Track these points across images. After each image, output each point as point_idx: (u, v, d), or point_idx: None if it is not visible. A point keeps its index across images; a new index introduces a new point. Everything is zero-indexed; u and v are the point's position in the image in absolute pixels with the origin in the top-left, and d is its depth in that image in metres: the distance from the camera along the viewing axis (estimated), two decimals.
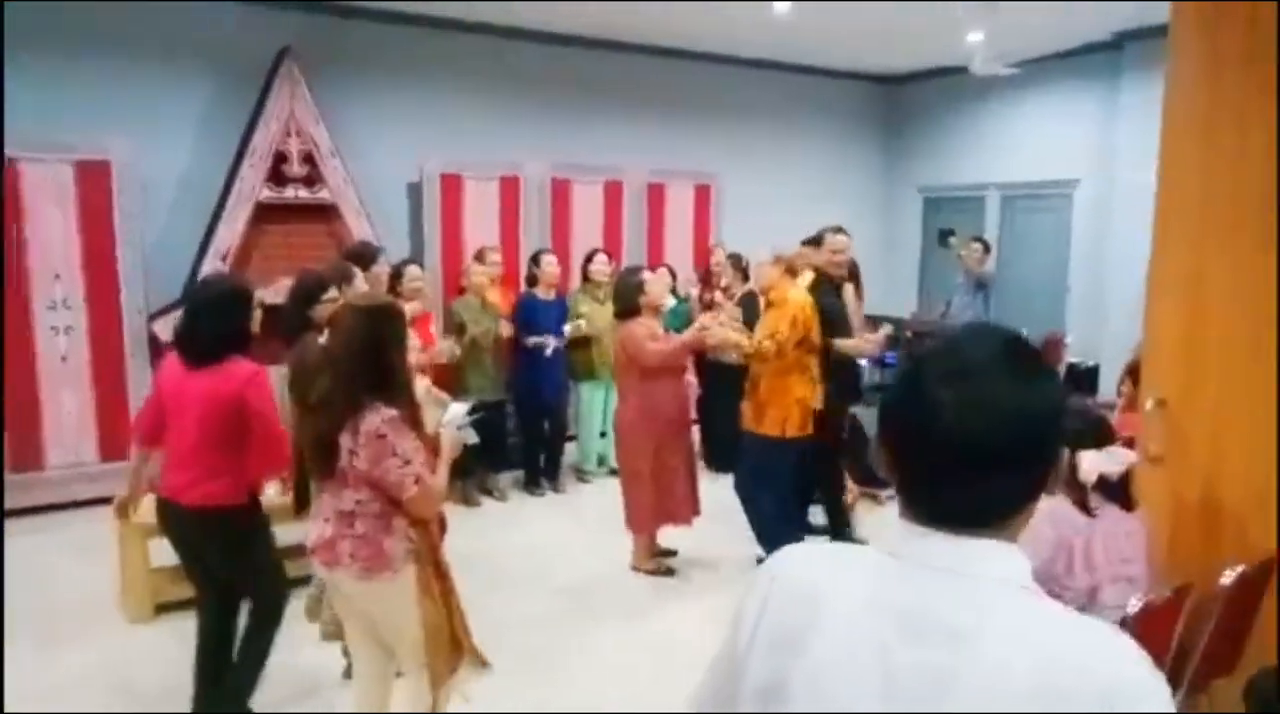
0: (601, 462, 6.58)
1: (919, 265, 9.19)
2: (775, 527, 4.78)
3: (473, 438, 2.92)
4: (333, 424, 2.50)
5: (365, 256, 4.93)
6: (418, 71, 6.82)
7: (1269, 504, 2.62)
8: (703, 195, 7.86)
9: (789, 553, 1.09)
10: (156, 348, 5.74)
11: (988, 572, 0.93)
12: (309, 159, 5.99)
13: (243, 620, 3.23)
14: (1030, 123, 8.08)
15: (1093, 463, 2.58)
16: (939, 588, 0.93)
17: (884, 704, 0.91)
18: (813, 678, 0.96)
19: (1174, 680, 2.43)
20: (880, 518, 5.72)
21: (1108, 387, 6.92)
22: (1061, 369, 7.44)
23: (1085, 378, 7.32)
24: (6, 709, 3.30)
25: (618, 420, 4.81)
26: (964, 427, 0.92)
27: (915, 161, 9.19)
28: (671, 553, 4.97)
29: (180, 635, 3.92)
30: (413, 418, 2.57)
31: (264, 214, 5.95)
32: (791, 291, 4.70)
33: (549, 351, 5.93)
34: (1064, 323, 7.77)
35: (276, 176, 5.94)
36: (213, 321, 2.99)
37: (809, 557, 1.07)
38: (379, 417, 2.46)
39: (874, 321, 7.96)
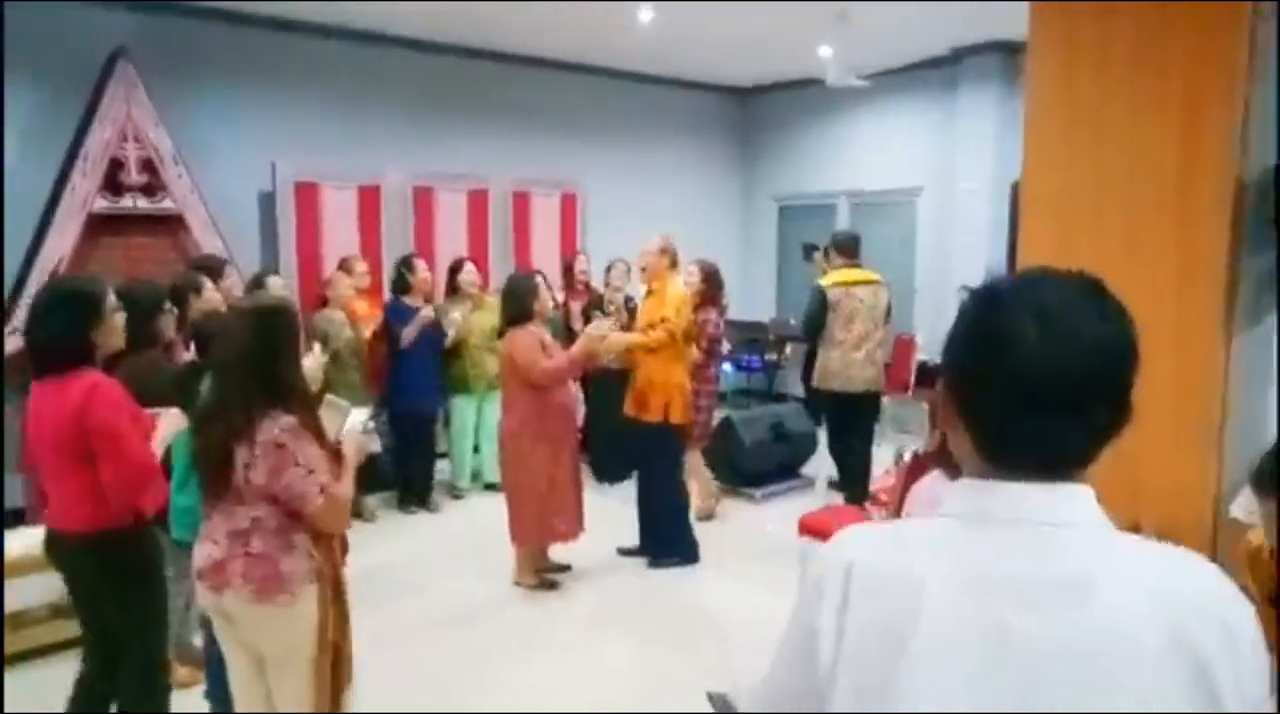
0: (475, 477, 6.42)
1: (776, 272, 9.47)
2: (664, 512, 4.95)
3: (375, 445, 2.78)
4: (225, 436, 2.32)
5: (212, 269, 4.65)
6: (269, 76, 6.46)
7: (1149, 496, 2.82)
8: (568, 204, 7.84)
9: (856, 540, 0.97)
10: None
11: (1078, 518, 0.90)
12: (149, 166, 5.57)
13: None
14: (876, 133, 8.48)
15: None
16: (1039, 544, 0.88)
17: (1019, 682, 0.84)
18: (927, 671, 0.86)
19: None
20: (748, 517, 5.85)
21: None
22: (912, 366, 7.84)
23: (933, 373, 7.73)
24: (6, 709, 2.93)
25: (503, 431, 4.70)
26: (1051, 360, 0.88)
27: (769, 171, 9.48)
28: (565, 568, 4.89)
29: (15, 692, 3.57)
30: (313, 425, 2.42)
31: (100, 226, 5.49)
32: (672, 282, 4.84)
33: (423, 319, 5.71)
34: (912, 323, 8.18)
35: (113, 185, 5.48)
36: (52, 326, 2.66)
37: (881, 541, 0.97)
38: (276, 425, 2.31)
39: (732, 327, 8.20)
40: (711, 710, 2.64)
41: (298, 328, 2.52)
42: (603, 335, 4.69)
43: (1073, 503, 0.91)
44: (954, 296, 7.73)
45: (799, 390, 8.14)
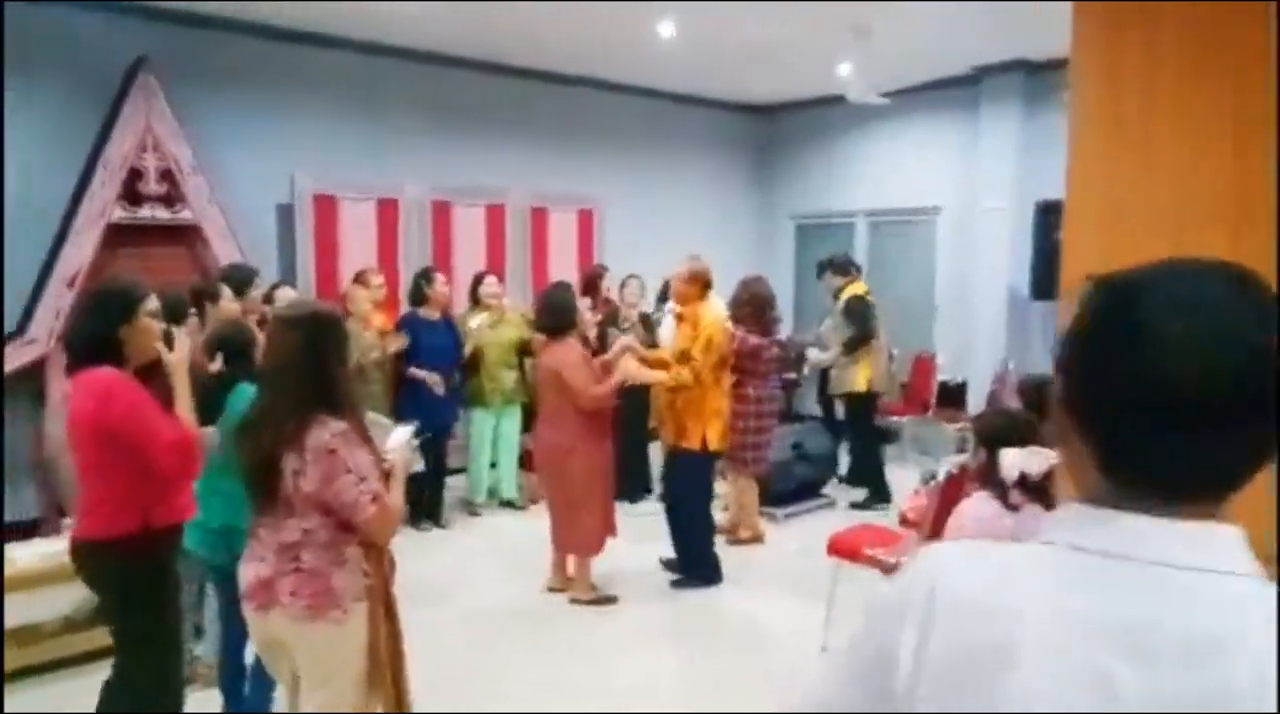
0: (492, 494, 6.33)
1: (793, 290, 9.41)
2: (694, 536, 4.86)
3: (420, 464, 2.71)
4: (275, 443, 2.25)
5: (242, 279, 4.62)
6: (289, 87, 6.45)
7: None
8: (585, 220, 7.80)
9: (942, 561, 0.87)
10: None
11: (1219, 563, 0.76)
12: (168, 176, 5.54)
13: None
14: (896, 152, 8.44)
15: (1014, 461, 2.63)
16: (1163, 589, 0.75)
17: None
18: (1024, 707, 0.77)
19: None
20: (772, 536, 5.75)
21: (976, 401, 7.26)
22: (933, 386, 7.75)
23: (954, 394, 7.64)
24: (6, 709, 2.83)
25: (549, 444, 4.60)
26: (1199, 365, 0.74)
27: (788, 189, 9.44)
28: (611, 599, 4.71)
29: (27, 706, 3.50)
30: (361, 431, 2.35)
31: (118, 236, 5.45)
32: (704, 308, 4.70)
33: (438, 391, 5.64)
34: (932, 342, 8.10)
35: (131, 195, 5.45)
36: (84, 323, 2.70)
37: (972, 563, 0.86)
38: (327, 431, 2.24)
39: None
40: None
41: (347, 335, 2.47)
42: (629, 346, 4.67)
43: (1213, 543, 0.77)
44: (973, 316, 7.66)
45: (816, 410, 8.07)
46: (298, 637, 2.32)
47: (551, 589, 4.77)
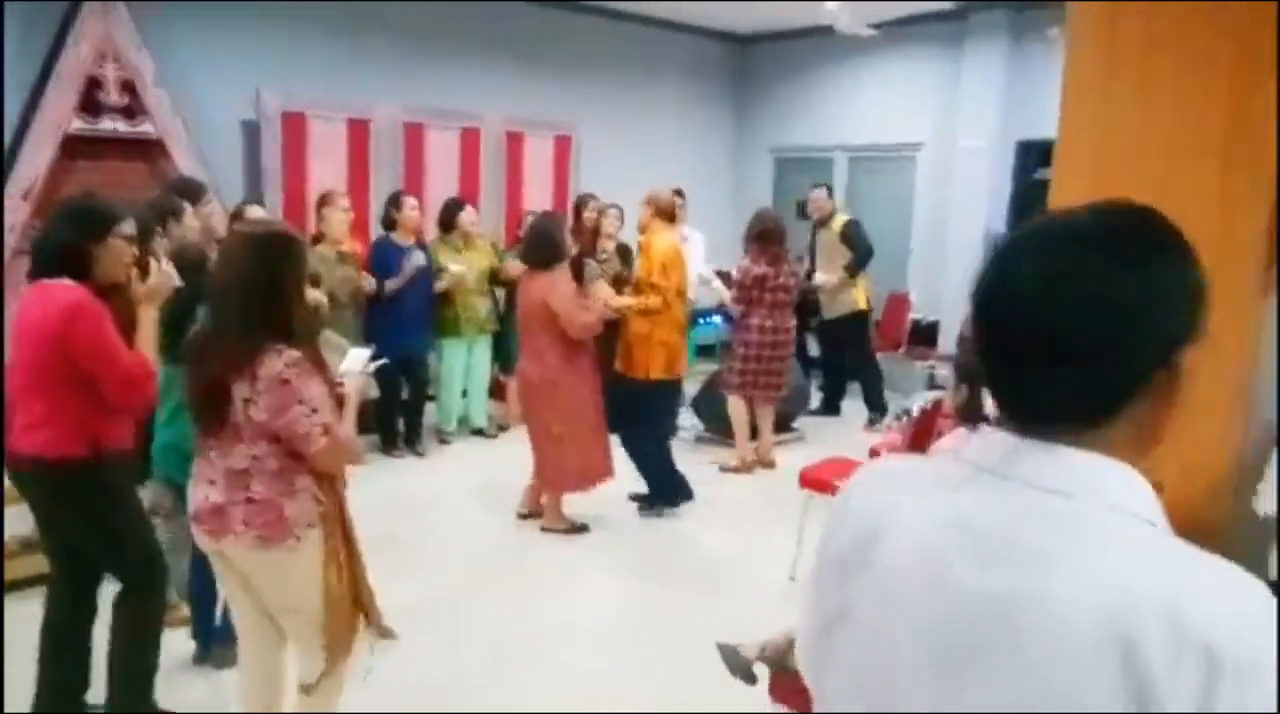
0: (463, 422, 6.30)
1: None
2: (648, 459, 4.88)
3: (374, 390, 2.65)
4: (224, 368, 2.17)
5: (189, 193, 4.43)
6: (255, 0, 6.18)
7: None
8: (562, 147, 7.63)
9: (864, 469, 0.97)
10: None
11: (1097, 495, 0.79)
12: (129, 88, 5.32)
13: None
14: (877, 87, 8.31)
15: None
16: (1029, 508, 0.80)
17: (934, 630, 0.80)
18: (873, 598, 0.86)
19: None
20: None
21: (946, 341, 7.30)
22: (905, 324, 7.78)
23: (926, 332, 7.68)
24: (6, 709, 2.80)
25: (533, 376, 4.53)
26: (1039, 304, 0.80)
27: (767, 122, 9.29)
28: (583, 527, 4.74)
29: None
30: (316, 361, 2.27)
31: (75, 148, 5.26)
32: (659, 237, 4.69)
33: (411, 270, 5.48)
34: (906, 281, 8.11)
35: (90, 106, 5.24)
36: (52, 232, 2.61)
37: (885, 472, 0.96)
38: (281, 359, 2.15)
39: (726, 278, 8.10)
40: (725, 662, 2.58)
41: (305, 258, 2.36)
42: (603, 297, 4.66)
43: (1092, 475, 0.80)
44: (948, 256, 7.66)
45: None
46: (252, 565, 2.29)
47: (521, 515, 4.79)
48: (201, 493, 2.29)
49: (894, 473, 0.96)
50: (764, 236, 5.56)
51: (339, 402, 2.35)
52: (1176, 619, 0.70)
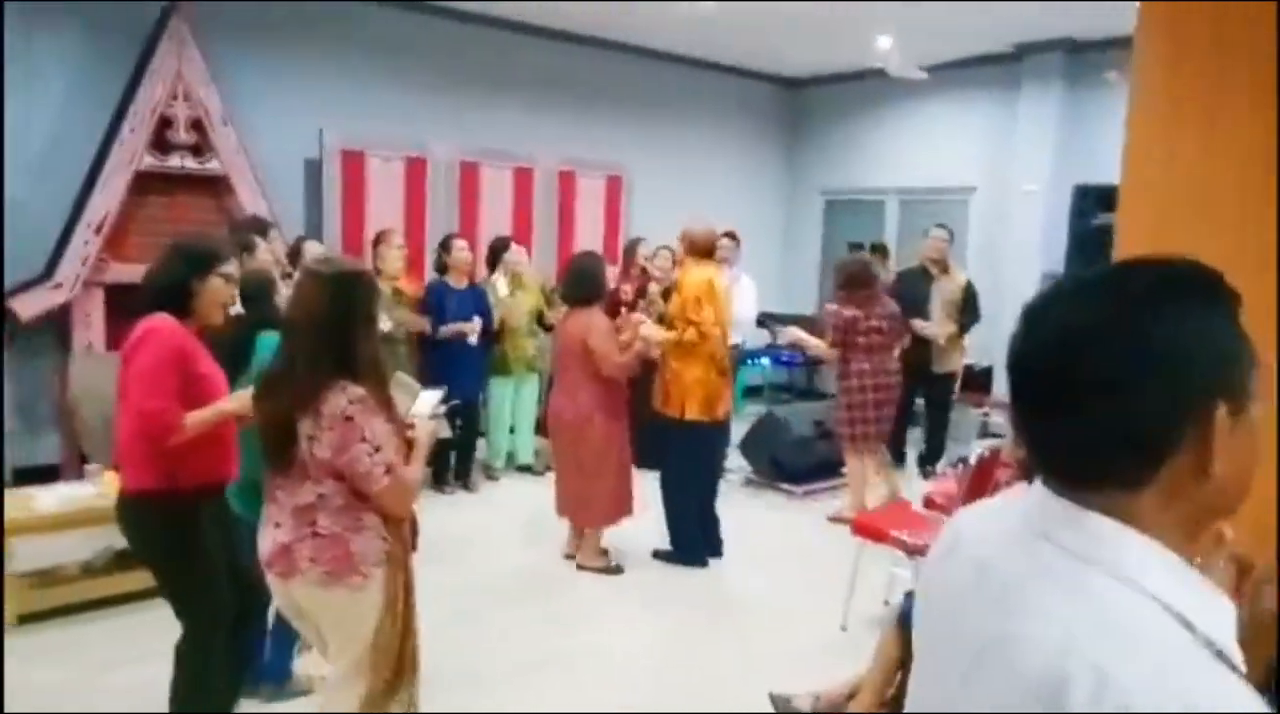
0: (510, 459, 6.31)
1: (819, 266, 9.30)
2: (672, 508, 4.77)
3: (445, 431, 2.65)
4: (291, 405, 2.18)
5: (258, 230, 4.56)
6: (320, 41, 6.36)
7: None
8: (614, 187, 7.70)
9: (977, 505, 1.02)
10: (15, 328, 5.14)
11: (1118, 566, 0.77)
12: (197, 126, 5.49)
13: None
14: (930, 130, 8.28)
15: None
16: (1047, 569, 0.80)
17: (943, 660, 0.88)
18: (921, 618, 0.97)
19: None
20: (788, 514, 5.71)
21: (1001, 387, 7.16)
22: (958, 370, 7.65)
23: (980, 379, 7.54)
24: (6, 709, 2.85)
25: (566, 413, 4.54)
26: (1058, 354, 0.81)
27: (818, 164, 9.30)
28: (618, 569, 4.67)
29: (42, 649, 3.50)
30: (382, 399, 2.26)
31: (145, 184, 5.41)
32: (690, 273, 4.60)
33: (472, 340, 5.59)
34: None
35: (161, 144, 5.41)
36: (161, 268, 2.67)
37: (981, 508, 1.00)
38: (345, 397, 2.15)
39: (776, 320, 8.07)
40: (774, 712, 2.51)
41: (374, 296, 2.36)
42: (646, 337, 4.61)
43: (1099, 539, 0.79)
44: (1002, 300, 7.53)
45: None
46: (317, 603, 2.27)
47: (569, 555, 4.76)
48: (270, 536, 2.28)
49: (983, 509, 0.99)
50: (850, 282, 5.39)
51: (408, 444, 2.34)
52: (1103, 676, 0.70)
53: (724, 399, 4.72)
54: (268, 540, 2.29)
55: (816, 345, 5.46)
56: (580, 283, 4.53)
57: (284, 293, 3.27)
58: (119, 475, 2.65)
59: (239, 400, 2.59)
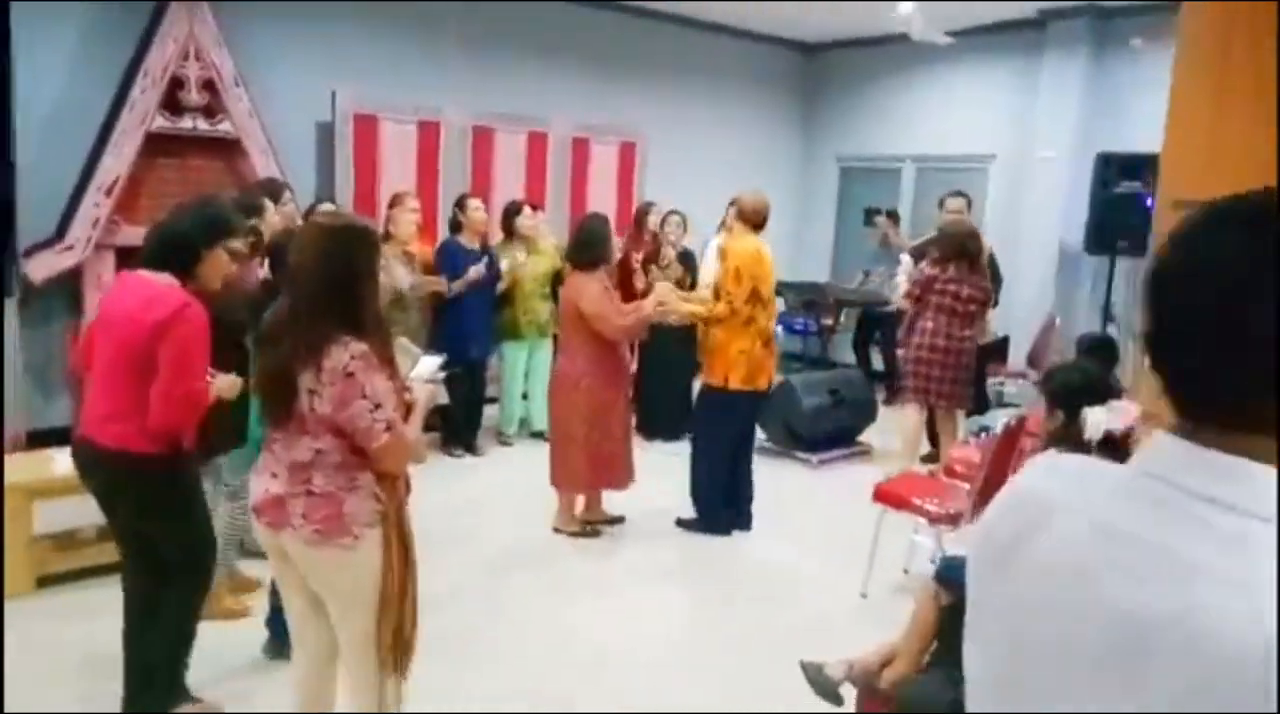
0: (523, 425, 6.29)
1: (834, 233, 9.21)
2: (700, 478, 4.75)
3: (443, 397, 2.63)
4: (291, 357, 2.15)
5: (272, 193, 4.50)
6: (333, 3, 6.25)
7: None
8: (627, 153, 7.61)
9: (1039, 464, 0.94)
10: (28, 291, 5.11)
11: (1259, 508, 0.73)
12: (209, 87, 5.41)
13: None
14: (949, 97, 8.15)
15: (1099, 420, 2.51)
16: (1186, 519, 0.75)
17: (1077, 641, 0.78)
18: (1016, 596, 0.85)
19: None
20: (807, 481, 5.68)
21: (1016, 357, 7.10)
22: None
23: (995, 348, 7.46)
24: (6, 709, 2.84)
25: (558, 375, 4.56)
26: (1173, 280, 0.79)
27: (834, 130, 9.18)
28: (619, 519, 4.77)
29: (64, 613, 3.50)
30: (385, 357, 2.23)
31: (156, 146, 5.35)
32: (738, 241, 4.54)
33: (477, 270, 5.50)
34: None
35: (172, 105, 5.34)
36: (174, 225, 2.67)
37: (1054, 468, 0.92)
38: (347, 352, 2.13)
39: (791, 289, 7.99)
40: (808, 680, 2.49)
41: (378, 251, 2.33)
42: (664, 302, 4.55)
43: (1238, 481, 0.74)
44: (1019, 269, 7.44)
45: (851, 358, 7.94)
46: (308, 560, 2.25)
47: (586, 523, 4.75)
48: (263, 485, 2.27)
49: (1065, 471, 0.91)
50: (952, 252, 5.30)
51: (406, 406, 2.32)
52: None
53: (767, 370, 4.66)
54: (260, 489, 2.28)
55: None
56: (584, 246, 4.49)
57: None
58: (99, 430, 2.61)
59: (230, 385, 2.76)
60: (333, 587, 2.29)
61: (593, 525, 4.70)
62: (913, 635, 2.24)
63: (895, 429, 5.73)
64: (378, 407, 2.15)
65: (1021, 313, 7.31)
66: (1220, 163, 2.74)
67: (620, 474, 4.63)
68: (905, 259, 6.03)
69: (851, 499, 5.23)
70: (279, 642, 3.21)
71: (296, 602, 2.42)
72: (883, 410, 6.56)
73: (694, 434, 4.85)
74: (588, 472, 4.54)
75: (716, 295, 4.56)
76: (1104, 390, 2.59)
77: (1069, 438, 2.52)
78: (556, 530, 4.64)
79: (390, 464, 2.25)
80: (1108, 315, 6.77)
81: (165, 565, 2.76)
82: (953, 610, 2.25)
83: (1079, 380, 2.61)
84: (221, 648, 3.20)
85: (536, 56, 7.23)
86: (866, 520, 4.08)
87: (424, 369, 2.58)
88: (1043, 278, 7.38)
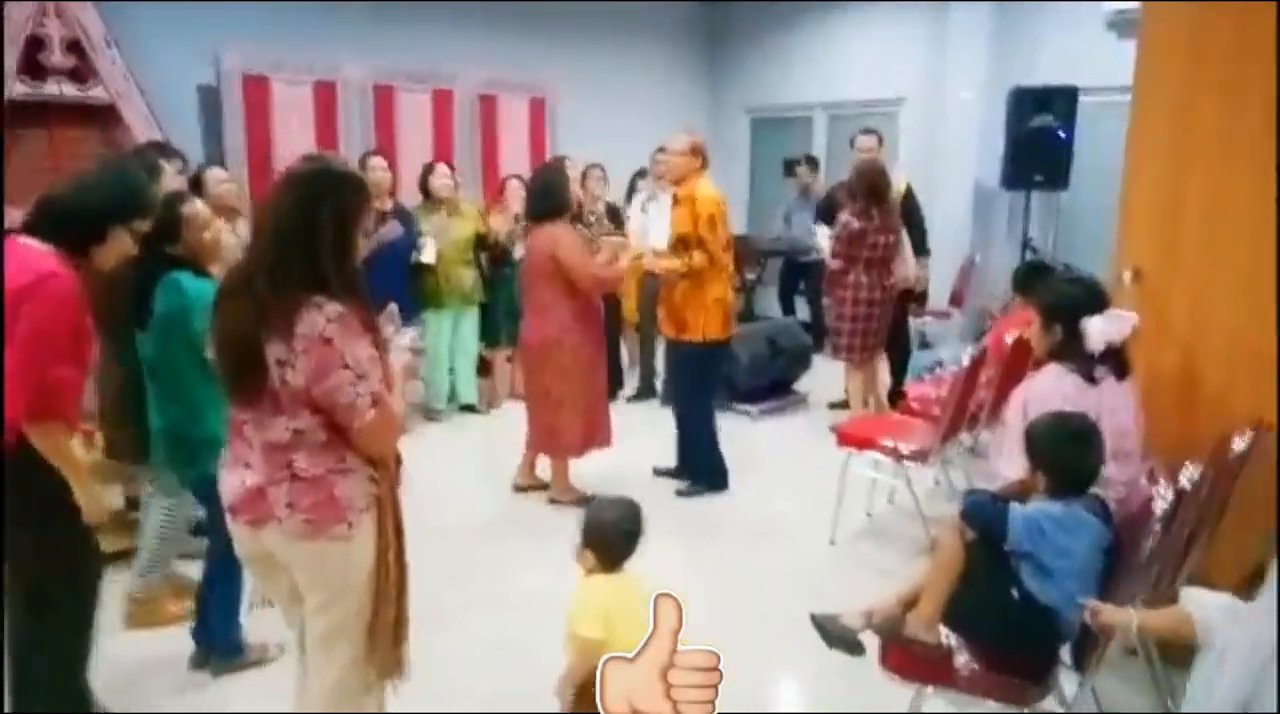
0: (451, 398, 5.98)
1: (748, 186, 9.11)
2: (701, 438, 4.56)
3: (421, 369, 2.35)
4: (256, 324, 1.81)
5: (166, 155, 4.07)
6: None
7: (1252, 373, 2.59)
8: (537, 109, 7.30)
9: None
10: None
11: None
12: (75, 48, 4.88)
13: None
14: (856, 41, 8.09)
15: (1099, 330, 2.43)
16: None
17: None
18: None
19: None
20: (748, 434, 5.59)
21: (936, 295, 7.12)
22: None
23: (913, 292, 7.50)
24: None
25: (534, 337, 4.25)
26: None
27: (742, 81, 9.03)
28: (591, 499, 4.47)
29: None
30: (366, 318, 1.90)
31: (18, 115, 4.81)
32: (703, 188, 4.31)
33: (385, 237, 5.03)
34: None
35: (33, 68, 4.80)
36: (87, 192, 2.31)
37: None
38: (322, 314, 1.79)
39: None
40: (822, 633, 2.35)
41: (357, 201, 1.95)
42: (637, 254, 4.33)
43: None
44: (935, 210, 7.46)
45: (776, 311, 7.86)
46: (296, 556, 1.94)
47: (518, 487, 4.52)
48: (237, 478, 1.94)
49: None
50: (872, 193, 5.12)
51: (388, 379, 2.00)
52: None
53: (734, 315, 4.56)
54: (234, 482, 1.95)
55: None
56: (543, 195, 4.19)
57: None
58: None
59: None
60: (322, 580, 1.97)
61: (582, 494, 4.38)
62: (938, 575, 2.12)
63: (835, 381, 5.62)
64: (361, 377, 1.83)
65: (941, 252, 7.33)
66: (1181, 225, 2.69)
67: (608, 432, 4.43)
68: (820, 228, 5.92)
69: (800, 447, 5.16)
70: (204, 655, 2.92)
71: (295, 612, 2.09)
72: (816, 358, 6.49)
73: (677, 396, 4.63)
74: (584, 434, 4.31)
75: (684, 248, 4.27)
76: (1102, 300, 2.51)
77: (1071, 352, 2.43)
78: (553, 500, 4.37)
79: (376, 444, 1.93)
80: (1027, 249, 6.85)
81: (40, 591, 2.29)
82: (977, 546, 2.14)
83: (1077, 292, 2.53)
84: (175, 658, 2.91)
85: (439, 10, 6.83)
86: (823, 468, 3.97)
87: (401, 338, 2.31)
88: (960, 217, 7.42)
